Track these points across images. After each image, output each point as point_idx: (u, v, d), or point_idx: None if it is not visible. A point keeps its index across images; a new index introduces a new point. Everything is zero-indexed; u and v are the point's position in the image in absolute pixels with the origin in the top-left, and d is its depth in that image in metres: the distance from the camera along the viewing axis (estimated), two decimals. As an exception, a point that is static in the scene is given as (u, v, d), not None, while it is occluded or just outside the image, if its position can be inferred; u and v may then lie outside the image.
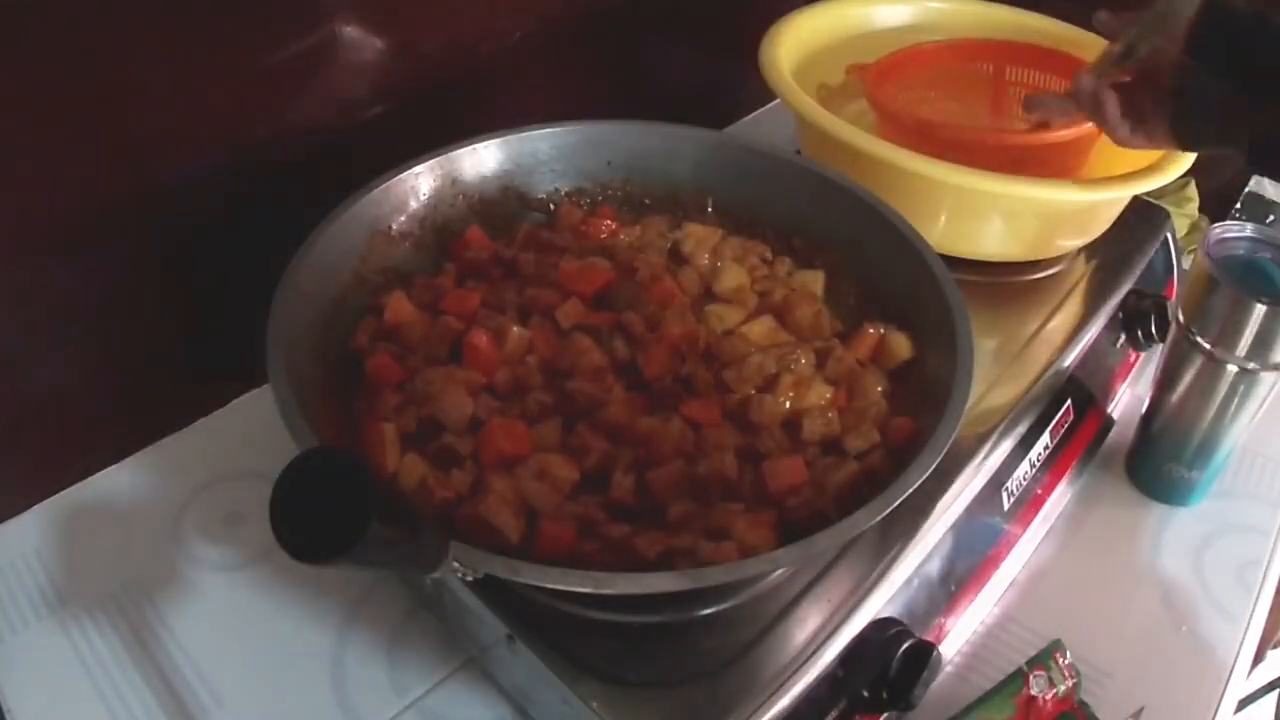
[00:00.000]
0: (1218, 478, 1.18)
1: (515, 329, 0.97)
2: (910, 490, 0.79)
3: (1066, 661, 0.98)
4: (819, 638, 0.89)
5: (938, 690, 0.95)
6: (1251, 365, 1.06)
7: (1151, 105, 1.06)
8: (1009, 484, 1.08)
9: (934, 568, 0.99)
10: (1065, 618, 1.06)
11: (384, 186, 1.06)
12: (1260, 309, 1.02)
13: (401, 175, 1.07)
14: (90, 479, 1.11)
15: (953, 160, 1.13)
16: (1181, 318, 1.09)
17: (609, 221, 1.15)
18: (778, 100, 1.25)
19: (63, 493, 1.10)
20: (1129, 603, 1.10)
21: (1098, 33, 1.15)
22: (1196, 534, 1.17)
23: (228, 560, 1.06)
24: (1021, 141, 1.27)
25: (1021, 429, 1.10)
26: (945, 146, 1.18)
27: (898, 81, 1.36)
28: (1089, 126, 1.20)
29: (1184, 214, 1.62)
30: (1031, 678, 0.97)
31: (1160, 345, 1.24)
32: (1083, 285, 1.27)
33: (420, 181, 1.09)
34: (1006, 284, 1.25)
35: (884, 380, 0.98)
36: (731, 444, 0.91)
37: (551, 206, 1.17)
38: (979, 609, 1.05)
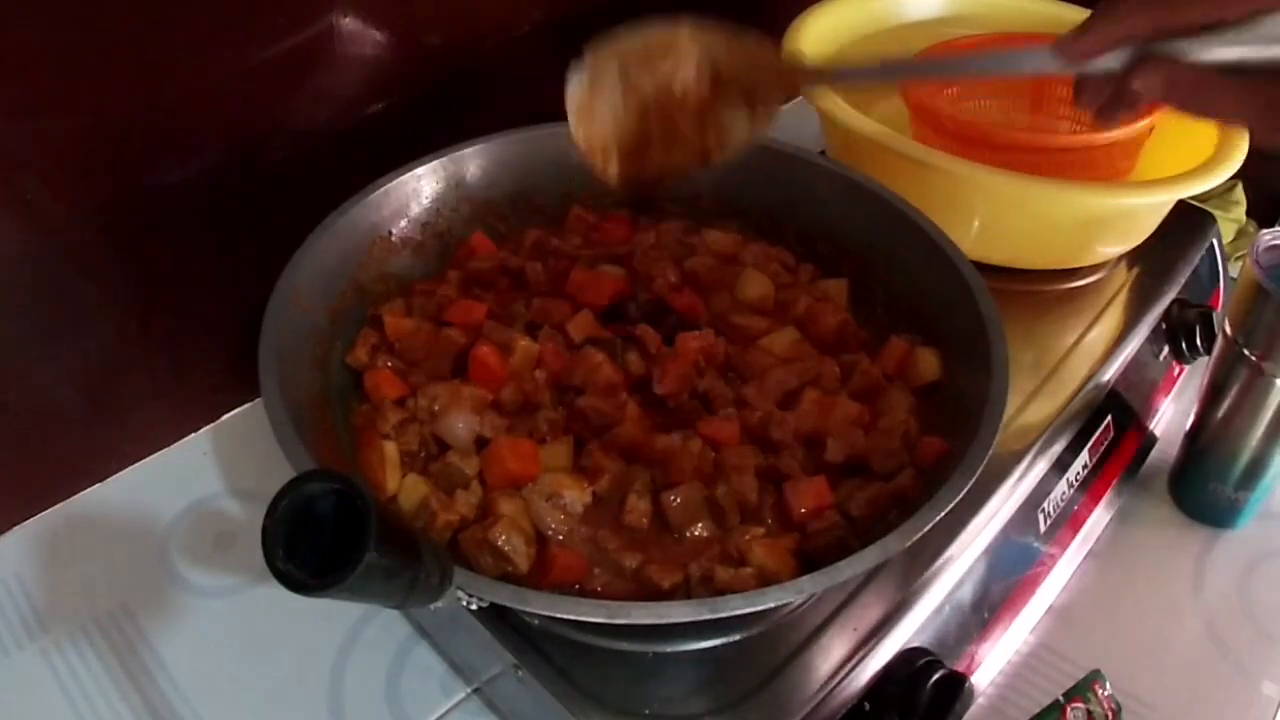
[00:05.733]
0: (1266, 498, 1.17)
1: (523, 342, 0.97)
2: (942, 514, 0.79)
3: (1106, 693, 0.98)
4: (844, 669, 0.88)
5: (970, 725, 0.94)
6: (1303, 380, 1.05)
7: None
8: (1045, 505, 1.08)
9: (966, 594, 0.99)
10: (1104, 647, 1.05)
11: (384, 189, 1.06)
12: (1313, 321, 1.02)
13: (403, 177, 1.07)
14: (74, 498, 1.11)
15: (991, 163, 1.12)
16: (1228, 329, 1.08)
17: (622, 227, 1.14)
18: (800, 97, 1.25)
19: (45, 513, 1.10)
20: (1172, 631, 1.09)
21: None
22: (1243, 558, 1.17)
23: (218, 584, 1.06)
24: (1069, 144, 1.26)
25: (1059, 447, 1.10)
26: (984, 148, 1.17)
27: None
28: (1138, 127, 1.19)
29: (1231, 219, 1.61)
30: (1069, 710, 0.96)
31: (1206, 358, 1.24)
32: (1124, 294, 1.26)
33: (423, 184, 1.09)
34: (1043, 292, 1.25)
35: (912, 397, 0.98)
36: (752, 464, 0.91)
37: (561, 210, 1.17)
38: (1013, 637, 1.05)
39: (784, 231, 1.16)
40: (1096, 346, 1.19)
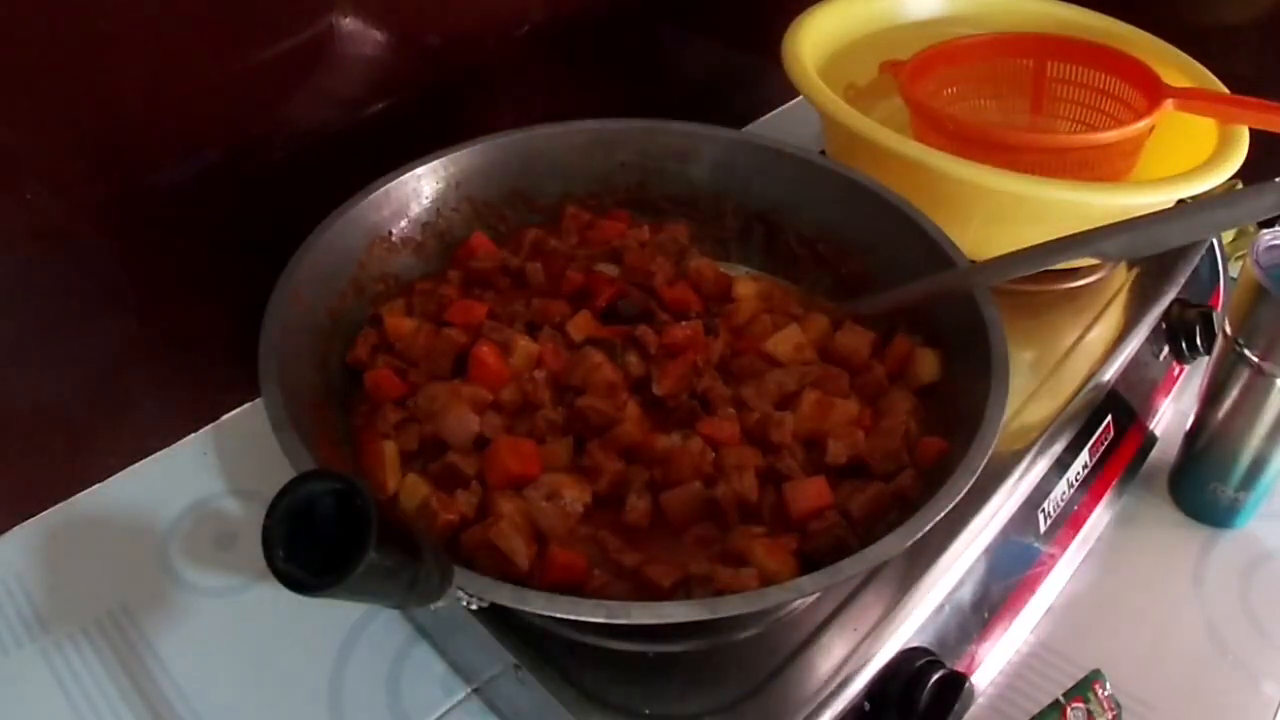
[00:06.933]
0: (1266, 498, 1.17)
1: (523, 342, 0.97)
2: (942, 514, 0.79)
3: (1106, 693, 0.98)
4: (844, 669, 0.88)
5: (970, 724, 0.94)
6: (1303, 380, 1.05)
7: None
8: (1045, 505, 1.08)
9: (966, 594, 0.99)
10: (1105, 646, 1.05)
11: (384, 189, 1.06)
12: (1313, 320, 1.02)
13: (402, 177, 1.07)
14: (74, 498, 1.11)
15: (991, 163, 1.12)
16: (1228, 329, 1.08)
17: (617, 224, 1.14)
18: (800, 97, 1.25)
19: (45, 512, 1.10)
20: (1172, 630, 1.09)
21: None
22: (1243, 558, 1.17)
23: (219, 584, 1.05)
24: (1069, 144, 1.27)
25: (1059, 447, 1.10)
26: (984, 148, 1.17)
27: (933, 78, 1.35)
28: (1137, 127, 1.19)
29: (1230, 218, 1.61)
30: (1069, 710, 0.96)
31: (1206, 358, 1.24)
32: (1124, 294, 1.27)
33: (422, 184, 1.09)
34: (1043, 292, 1.25)
35: (912, 398, 0.98)
36: (751, 464, 0.91)
37: (561, 210, 1.17)
38: (1013, 637, 1.05)
39: (785, 231, 1.16)
40: (1096, 346, 1.19)
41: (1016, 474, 1.04)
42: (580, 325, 1.01)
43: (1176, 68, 1.34)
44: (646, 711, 0.84)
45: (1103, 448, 1.16)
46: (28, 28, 0.89)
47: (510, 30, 1.30)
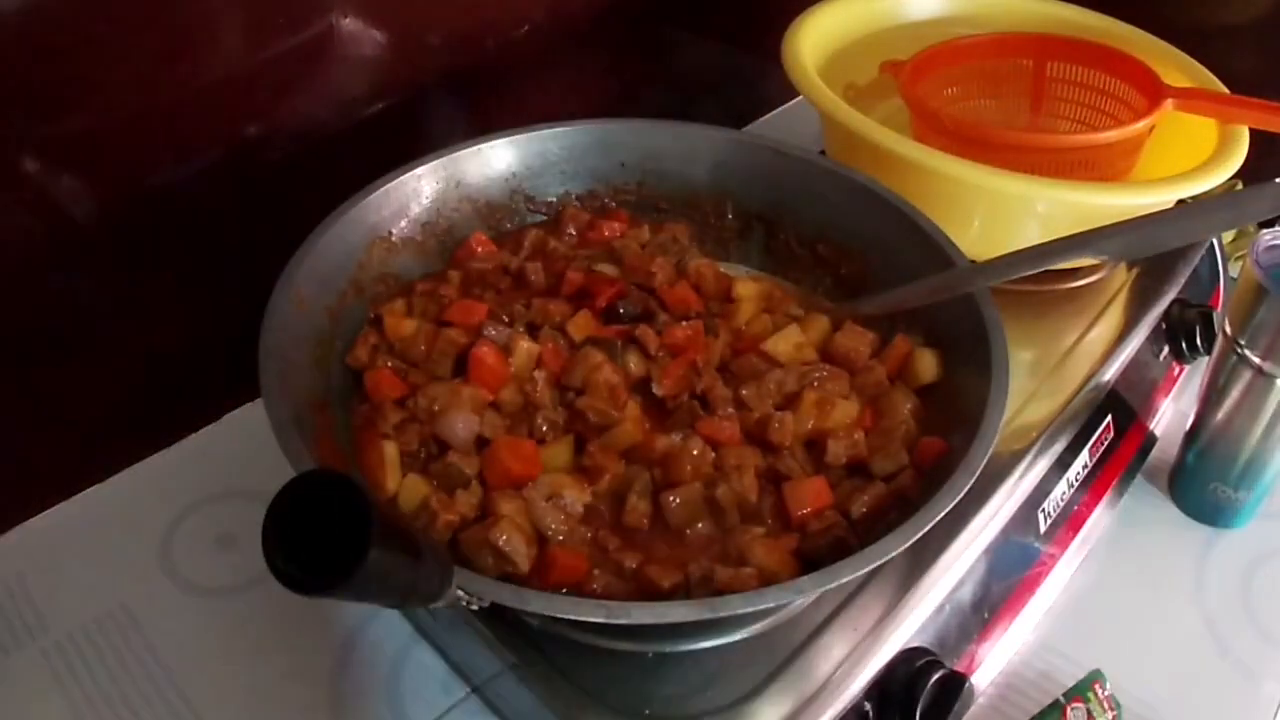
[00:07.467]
0: (1266, 498, 1.17)
1: (523, 342, 0.97)
2: (942, 514, 0.78)
3: (1106, 693, 0.98)
4: (844, 669, 0.88)
5: (970, 725, 0.94)
6: (1303, 380, 1.05)
7: None
8: (1045, 505, 1.08)
9: (966, 594, 0.99)
10: (1105, 646, 1.05)
11: (384, 189, 1.05)
12: (1313, 320, 1.02)
13: (402, 177, 1.07)
14: (74, 498, 1.11)
15: (991, 162, 1.12)
16: (1229, 329, 1.08)
17: (617, 224, 1.14)
18: (800, 97, 1.25)
19: (45, 513, 1.10)
20: (1172, 630, 1.09)
21: None
22: (1243, 557, 1.17)
23: (219, 585, 1.05)
24: (1069, 144, 1.27)
25: (1059, 447, 1.10)
26: (984, 148, 1.17)
27: (933, 78, 1.35)
28: (1137, 127, 1.19)
29: (1230, 218, 1.61)
30: (1070, 710, 0.96)
31: (1206, 358, 1.24)
32: (1124, 294, 1.27)
33: (422, 184, 1.09)
34: (1043, 292, 1.25)
35: (912, 398, 0.97)
36: (752, 464, 0.91)
37: (561, 210, 1.17)
38: (1014, 637, 1.05)
39: (784, 231, 1.16)
40: (1097, 346, 1.19)
41: (1016, 474, 1.04)
42: (580, 325, 1.00)
43: (1176, 68, 1.34)
44: (646, 711, 0.84)
45: (1103, 448, 1.16)
46: (27, 29, 0.89)
47: (510, 30, 1.30)
